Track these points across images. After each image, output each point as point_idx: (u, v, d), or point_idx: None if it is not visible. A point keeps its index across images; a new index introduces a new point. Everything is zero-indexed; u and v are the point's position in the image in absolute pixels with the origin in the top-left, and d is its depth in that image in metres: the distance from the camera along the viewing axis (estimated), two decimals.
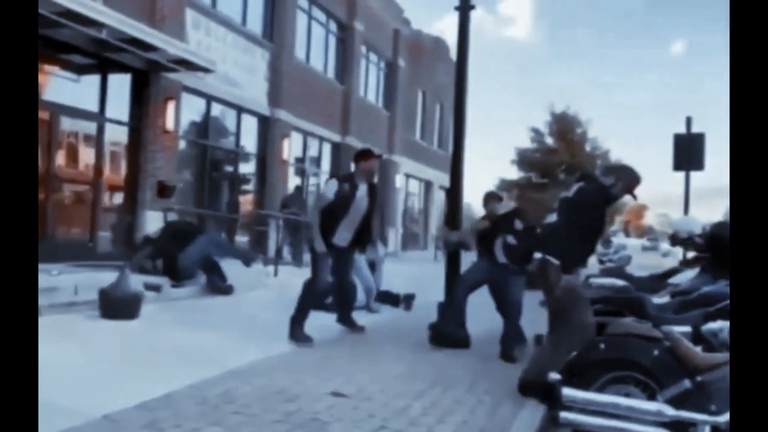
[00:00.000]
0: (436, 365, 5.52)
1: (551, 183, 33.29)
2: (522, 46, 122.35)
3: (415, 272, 14.23)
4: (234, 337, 6.10)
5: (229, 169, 14.71)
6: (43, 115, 9.35)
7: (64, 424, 3.35)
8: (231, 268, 9.52)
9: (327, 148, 18.78)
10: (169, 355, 5.19)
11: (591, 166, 35.41)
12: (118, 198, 11.26)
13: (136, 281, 7.25)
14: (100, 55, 10.14)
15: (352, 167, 6.72)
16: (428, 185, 28.00)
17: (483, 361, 5.82)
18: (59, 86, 9.87)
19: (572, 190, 4.73)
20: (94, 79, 10.48)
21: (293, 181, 16.54)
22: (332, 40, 18.77)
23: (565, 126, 36.11)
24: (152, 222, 10.96)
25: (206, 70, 11.23)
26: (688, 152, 10.98)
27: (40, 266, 8.68)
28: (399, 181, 23.54)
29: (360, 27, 19.49)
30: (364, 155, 6.57)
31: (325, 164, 18.89)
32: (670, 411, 3.42)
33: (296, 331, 6.07)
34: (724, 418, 3.29)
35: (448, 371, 5.31)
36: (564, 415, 3.64)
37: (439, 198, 29.41)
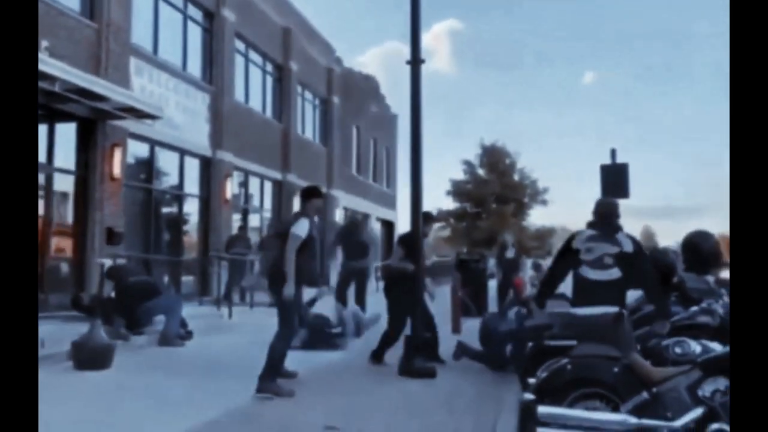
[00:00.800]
0: (406, 394, 5.89)
1: (484, 212, 34.87)
2: (444, 80, 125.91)
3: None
4: (214, 381, 6.30)
5: (174, 211, 14.75)
6: None
7: None
8: (185, 311, 9.64)
9: (268, 186, 19.00)
10: (160, 403, 5.37)
11: (521, 195, 37.24)
12: (68, 247, 11.17)
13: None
14: (47, 106, 10.16)
15: (300, 205, 6.61)
16: (365, 218, 28.47)
17: (454, 387, 6.25)
18: None
19: (625, 244, 4.92)
20: (41, 130, 10.46)
21: (237, 221, 16.66)
22: (269, 81, 19.15)
23: (494, 158, 37.99)
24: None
25: (153, 117, 11.39)
26: (614, 182, 11.85)
27: None
28: (338, 214, 23.93)
29: (295, 67, 19.95)
30: (315, 193, 6.55)
31: (267, 202, 19.08)
32: (632, 420, 3.92)
33: (270, 386, 5.76)
34: (680, 423, 3.81)
35: (422, 399, 5.70)
36: (541, 431, 4.09)
37: (376, 230, 29.95)
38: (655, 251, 6.71)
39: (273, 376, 5.81)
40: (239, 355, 7.88)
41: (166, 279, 13.82)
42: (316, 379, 6.55)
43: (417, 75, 7.24)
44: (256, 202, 18.47)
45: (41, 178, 10.45)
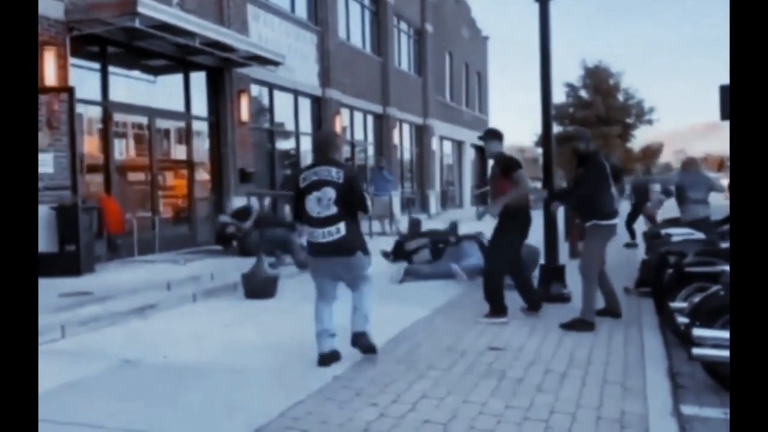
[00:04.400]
0: (549, 317, 6.45)
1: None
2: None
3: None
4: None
5: (292, 150, 15.63)
6: (142, 119, 10.28)
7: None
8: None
9: (370, 120, 19.57)
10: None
11: (626, 115, 36.35)
12: (208, 187, 12.20)
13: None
14: (181, 59, 10.98)
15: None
16: (460, 145, 28.72)
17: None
18: (149, 92, 10.72)
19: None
20: (178, 80, 11.34)
21: (347, 154, 17.42)
22: (367, 15, 19.40)
23: (598, 79, 36.94)
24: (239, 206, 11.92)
25: (276, 64, 12.03)
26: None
27: (167, 256, 9.69)
28: (434, 143, 24.33)
29: None
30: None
31: (370, 136, 19.70)
32: None
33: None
34: None
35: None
36: (696, 351, 4.54)
37: (470, 156, 30.18)
38: None
39: None
40: (381, 282, 8.64)
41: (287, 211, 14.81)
42: (445, 310, 7.17)
43: (546, 12, 7.41)
44: (359, 135, 19.10)
45: (182, 125, 11.42)
